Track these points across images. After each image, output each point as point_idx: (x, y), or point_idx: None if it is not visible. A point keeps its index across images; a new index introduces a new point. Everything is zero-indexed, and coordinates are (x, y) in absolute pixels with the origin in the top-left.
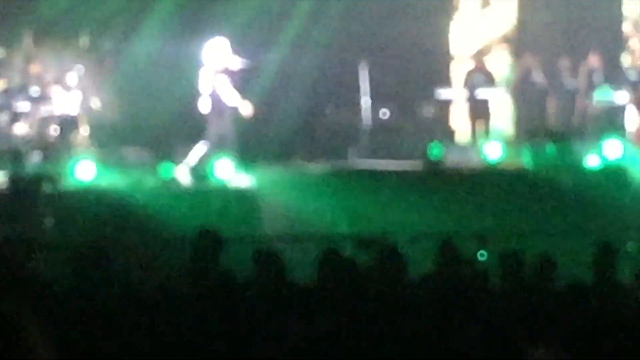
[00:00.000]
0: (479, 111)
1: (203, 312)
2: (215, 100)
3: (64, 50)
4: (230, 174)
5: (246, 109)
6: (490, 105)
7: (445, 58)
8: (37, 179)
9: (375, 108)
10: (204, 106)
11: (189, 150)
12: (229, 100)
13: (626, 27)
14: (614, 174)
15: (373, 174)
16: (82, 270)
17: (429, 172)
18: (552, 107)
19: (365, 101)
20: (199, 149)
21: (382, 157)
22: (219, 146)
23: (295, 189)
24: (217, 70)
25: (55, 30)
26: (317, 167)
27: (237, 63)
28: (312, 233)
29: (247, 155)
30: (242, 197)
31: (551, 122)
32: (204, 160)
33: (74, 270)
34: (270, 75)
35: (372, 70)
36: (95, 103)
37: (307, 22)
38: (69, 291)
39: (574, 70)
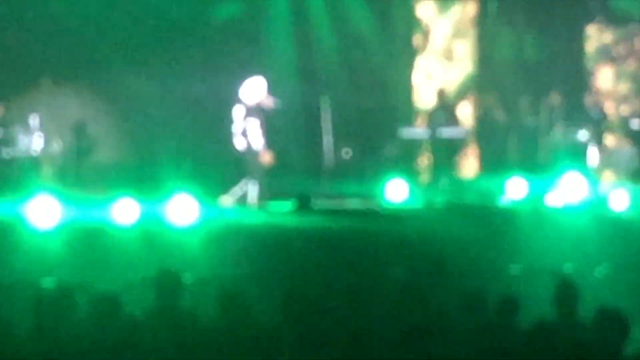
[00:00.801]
0: (442, 151)
1: (166, 355)
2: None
3: (27, 92)
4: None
5: (266, 156)
6: (453, 144)
7: (408, 97)
8: None
9: (337, 147)
10: (240, 144)
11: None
12: (255, 142)
13: (588, 66)
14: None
15: (335, 213)
16: (45, 311)
17: (391, 212)
18: (513, 145)
19: (328, 140)
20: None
21: (345, 197)
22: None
23: (258, 228)
24: (252, 109)
25: (19, 72)
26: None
27: (271, 102)
28: (276, 272)
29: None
30: (205, 236)
31: (513, 160)
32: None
33: (36, 311)
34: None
35: (334, 108)
36: (58, 144)
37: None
38: (30, 333)
39: (535, 109)
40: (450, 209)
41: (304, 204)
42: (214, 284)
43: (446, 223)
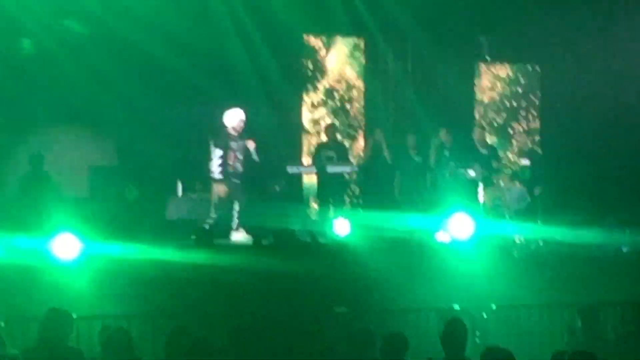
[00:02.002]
0: (330, 187)
1: None
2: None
3: None
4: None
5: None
6: (341, 180)
7: (297, 133)
8: None
9: None
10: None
11: None
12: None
13: (478, 102)
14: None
15: (230, 248)
16: None
17: (279, 246)
18: (401, 182)
19: (213, 177)
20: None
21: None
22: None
23: (146, 267)
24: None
25: None
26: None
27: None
28: (163, 310)
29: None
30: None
31: (401, 197)
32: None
33: None
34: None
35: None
36: None
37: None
38: None
39: (424, 146)
40: (340, 245)
41: (203, 239)
42: (97, 322)
43: (336, 259)
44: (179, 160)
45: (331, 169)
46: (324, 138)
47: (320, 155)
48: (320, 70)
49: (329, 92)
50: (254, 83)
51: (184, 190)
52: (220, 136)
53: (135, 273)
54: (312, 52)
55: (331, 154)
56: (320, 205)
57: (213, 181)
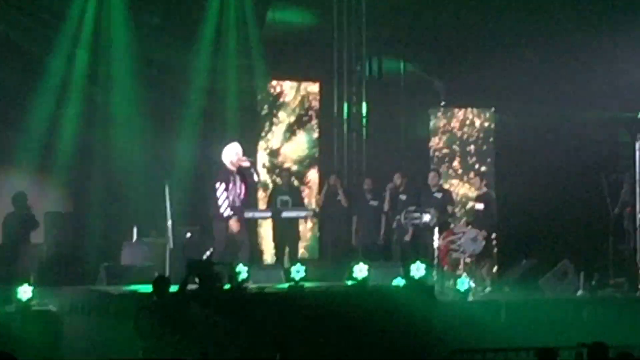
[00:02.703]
0: (285, 231)
1: None
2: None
3: None
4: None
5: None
6: (296, 225)
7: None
8: None
9: (179, 229)
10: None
11: None
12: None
13: (432, 147)
14: (419, 292)
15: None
16: None
17: (235, 293)
18: (357, 227)
19: (168, 223)
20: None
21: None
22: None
23: (98, 313)
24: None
25: None
26: (122, 290)
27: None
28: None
29: (49, 278)
30: (44, 319)
31: (356, 242)
32: None
33: None
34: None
35: (174, 191)
36: None
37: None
38: None
39: (379, 191)
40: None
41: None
42: None
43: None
44: (134, 205)
45: (286, 214)
46: (279, 183)
47: (275, 199)
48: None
49: (284, 135)
50: (210, 125)
51: (138, 235)
52: (221, 173)
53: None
54: (269, 96)
55: (286, 198)
56: (277, 250)
57: (221, 220)
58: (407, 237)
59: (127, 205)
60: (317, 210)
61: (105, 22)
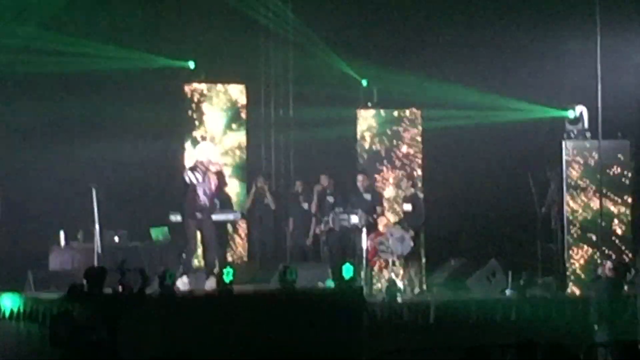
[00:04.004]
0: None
1: None
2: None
3: None
4: None
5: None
6: (225, 228)
7: (179, 181)
8: None
9: (106, 233)
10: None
11: None
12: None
13: (360, 149)
14: (348, 294)
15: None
16: None
17: (162, 297)
18: (286, 229)
19: (96, 227)
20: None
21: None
22: None
23: (27, 318)
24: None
25: None
26: (51, 296)
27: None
28: None
29: None
30: None
31: (286, 244)
32: None
33: None
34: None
35: (101, 195)
36: None
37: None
38: None
39: (308, 193)
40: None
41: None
42: None
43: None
44: (60, 210)
45: (216, 216)
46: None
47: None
48: (200, 117)
49: (211, 139)
50: (135, 129)
51: (66, 240)
52: (191, 169)
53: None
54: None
55: (215, 201)
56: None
57: (190, 218)
58: (336, 239)
59: (53, 211)
60: (245, 212)
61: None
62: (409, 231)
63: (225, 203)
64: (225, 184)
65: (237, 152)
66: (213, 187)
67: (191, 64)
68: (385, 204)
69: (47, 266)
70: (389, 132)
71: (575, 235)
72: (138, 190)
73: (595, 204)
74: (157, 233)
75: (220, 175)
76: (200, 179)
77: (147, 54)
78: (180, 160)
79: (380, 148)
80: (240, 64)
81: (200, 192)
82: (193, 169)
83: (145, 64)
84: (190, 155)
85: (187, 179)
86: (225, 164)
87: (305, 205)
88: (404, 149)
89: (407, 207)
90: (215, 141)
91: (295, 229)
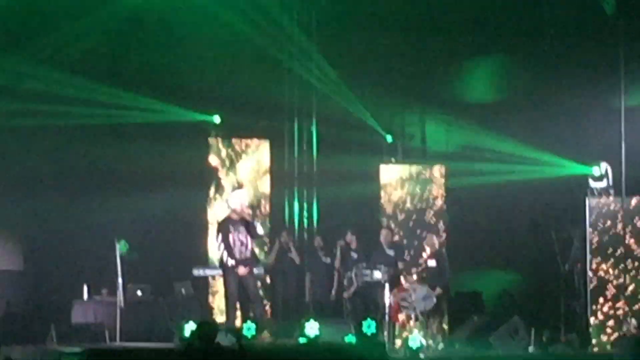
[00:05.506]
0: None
1: None
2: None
3: None
4: None
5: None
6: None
7: (202, 235)
8: None
9: (130, 288)
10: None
11: None
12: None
13: (383, 203)
14: (372, 350)
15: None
16: None
17: (185, 353)
18: (309, 284)
19: (119, 281)
20: None
21: (138, 339)
22: None
23: None
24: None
25: None
26: (73, 350)
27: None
28: None
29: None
30: None
31: (309, 299)
32: None
33: None
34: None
35: (125, 249)
36: None
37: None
38: None
39: (331, 249)
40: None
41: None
42: None
43: None
44: (84, 263)
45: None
46: None
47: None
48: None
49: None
50: (156, 181)
51: (89, 293)
52: (222, 224)
53: None
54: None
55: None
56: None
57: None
58: (352, 292)
59: (77, 264)
60: (269, 267)
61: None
62: (433, 288)
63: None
64: (256, 235)
65: (263, 205)
66: (247, 240)
67: (216, 118)
68: (410, 259)
69: (69, 320)
70: (415, 187)
71: (600, 295)
72: (161, 244)
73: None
74: (184, 287)
75: (252, 225)
76: (225, 237)
77: (172, 107)
78: (202, 214)
79: (406, 202)
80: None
81: (238, 243)
82: (227, 222)
83: (170, 118)
84: (220, 205)
85: (217, 239)
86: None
87: (326, 260)
88: (428, 204)
89: (432, 262)
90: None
91: (315, 283)
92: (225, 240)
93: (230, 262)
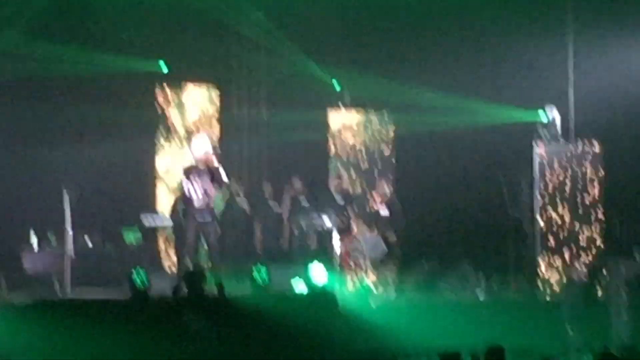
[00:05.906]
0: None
1: None
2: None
3: None
4: None
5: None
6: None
7: (151, 184)
8: None
9: (78, 236)
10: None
11: None
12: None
13: (332, 150)
14: (321, 299)
15: (77, 304)
16: None
17: (135, 301)
18: (258, 231)
19: (69, 232)
20: None
21: (87, 285)
22: None
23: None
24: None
25: None
26: (20, 297)
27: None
28: None
29: None
30: None
31: (258, 247)
32: None
33: None
34: None
35: (74, 197)
36: None
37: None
38: None
39: (278, 195)
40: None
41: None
42: None
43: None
44: (33, 214)
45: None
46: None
47: (176, 206)
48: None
49: (182, 141)
50: (104, 130)
51: (38, 241)
52: (189, 170)
53: None
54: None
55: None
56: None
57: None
58: (310, 242)
59: (26, 213)
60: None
61: None
62: (383, 235)
63: None
64: (222, 183)
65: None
66: (209, 187)
67: (163, 66)
68: (362, 207)
69: (20, 269)
70: (364, 133)
71: (549, 241)
72: (110, 192)
73: (567, 211)
74: (130, 235)
75: (217, 172)
76: (190, 183)
77: (118, 56)
78: (150, 162)
79: (357, 149)
80: (213, 66)
81: (200, 193)
82: (190, 170)
83: (116, 67)
84: (170, 152)
85: (185, 187)
86: None
87: (275, 208)
88: (376, 147)
89: (384, 209)
90: (187, 140)
91: (265, 232)
92: (188, 188)
93: (192, 211)
